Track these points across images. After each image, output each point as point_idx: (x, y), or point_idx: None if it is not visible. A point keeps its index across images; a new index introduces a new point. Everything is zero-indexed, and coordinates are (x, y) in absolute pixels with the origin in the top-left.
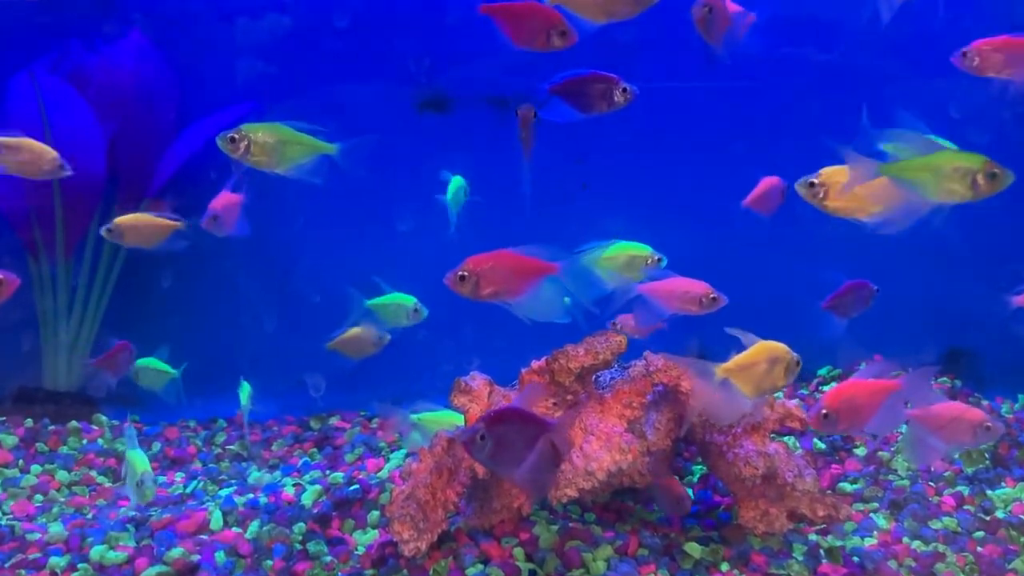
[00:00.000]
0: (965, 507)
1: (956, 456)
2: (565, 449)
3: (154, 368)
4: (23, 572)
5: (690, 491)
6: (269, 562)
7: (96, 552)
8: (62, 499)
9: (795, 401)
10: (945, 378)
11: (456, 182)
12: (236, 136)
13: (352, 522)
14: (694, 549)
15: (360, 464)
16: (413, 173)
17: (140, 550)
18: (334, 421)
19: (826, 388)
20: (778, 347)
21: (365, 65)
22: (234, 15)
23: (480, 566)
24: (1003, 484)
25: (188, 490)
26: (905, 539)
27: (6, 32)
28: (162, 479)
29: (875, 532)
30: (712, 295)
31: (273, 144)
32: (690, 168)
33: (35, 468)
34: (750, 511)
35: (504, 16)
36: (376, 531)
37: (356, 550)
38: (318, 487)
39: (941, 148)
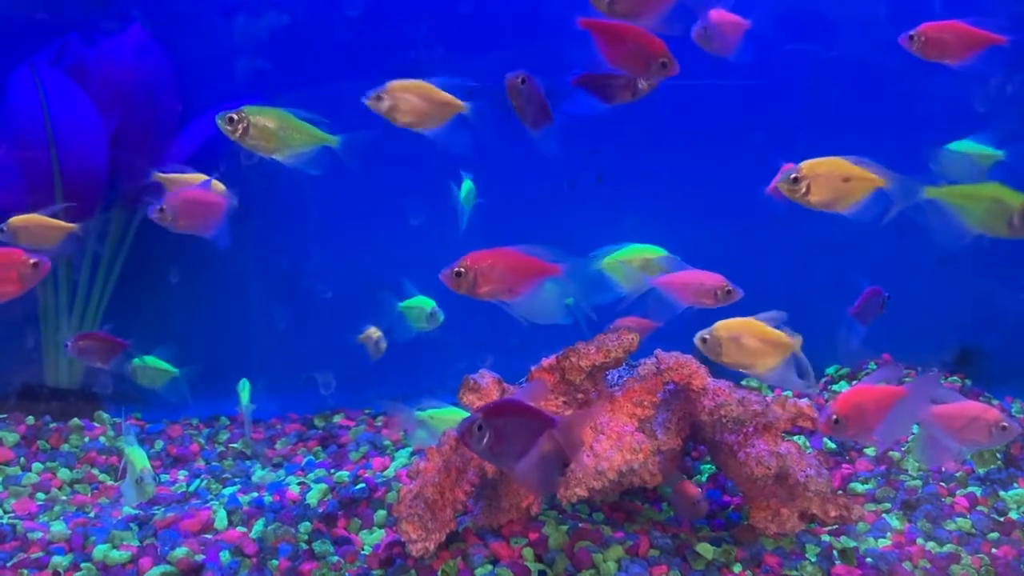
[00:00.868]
0: (978, 508)
1: (968, 456)
2: (571, 447)
3: (153, 366)
4: (25, 572)
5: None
6: (275, 562)
7: (99, 551)
8: (64, 497)
9: (805, 400)
10: (955, 377)
11: (466, 184)
12: (235, 116)
13: (358, 521)
14: (706, 550)
15: (365, 462)
16: (424, 168)
17: (144, 549)
18: (338, 419)
19: (835, 387)
20: None
21: (370, 59)
22: (236, 9)
23: (489, 566)
24: (1016, 485)
25: (191, 488)
26: (919, 540)
27: (6, 26)
28: (165, 477)
29: (889, 533)
30: (728, 288)
31: (273, 129)
32: (705, 163)
33: (36, 466)
34: (761, 511)
35: (605, 35)
36: (383, 531)
37: (363, 550)
38: (323, 486)
39: (987, 179)
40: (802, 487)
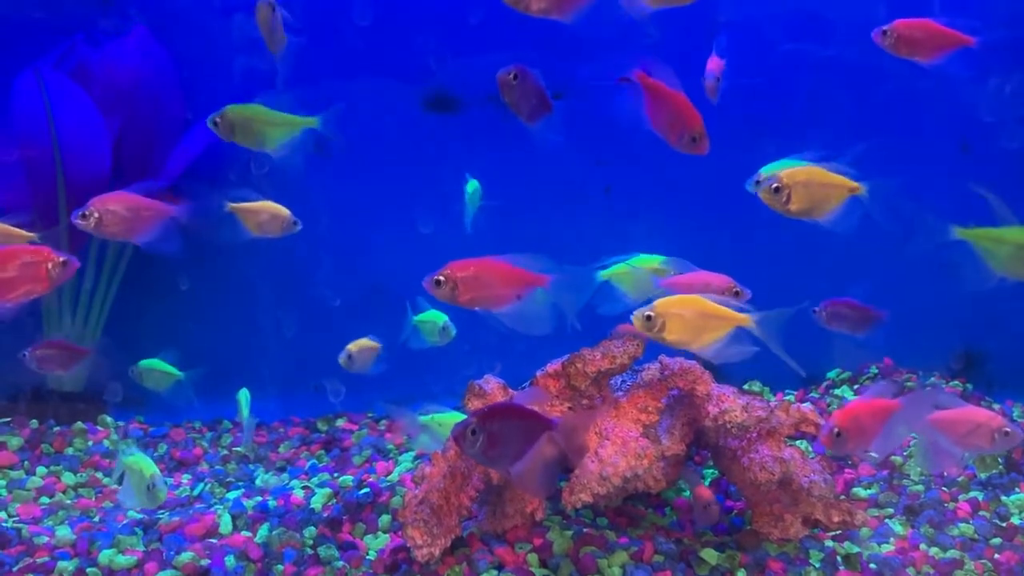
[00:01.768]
0: (981, 513)
1: (970, 461)
2: (572, 448)
3: (158, 370)
4: None
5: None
6: (280, 567)
7: (105, 556)
8: (68, 501)
9: (808, 405)
10: (956, 382)
11: (472, 185)
12: (218, 120)
13: (363, 526)
14: (711, 555)
15: (369, 467)
16: (431, 175)
17: (149, 554)
18: (341, 423)
19: (836, 391)
20: None
21: (376, 60)
22: (239, 11)
23: (494, 572)
24: (1018, 489)
25: (195, 492)
26: (922, 545)
27: (10, 29)
28: (169, 481)
29: (892, 539)
30: (735, 288)
31: (251, 121)
32: (710, 168)
33: (40, 470)
34: (765, 517)
35: (652, 95)
36: (387, 535)
37: (368, 555)
38: (328, 490)
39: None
40: (805, 492)
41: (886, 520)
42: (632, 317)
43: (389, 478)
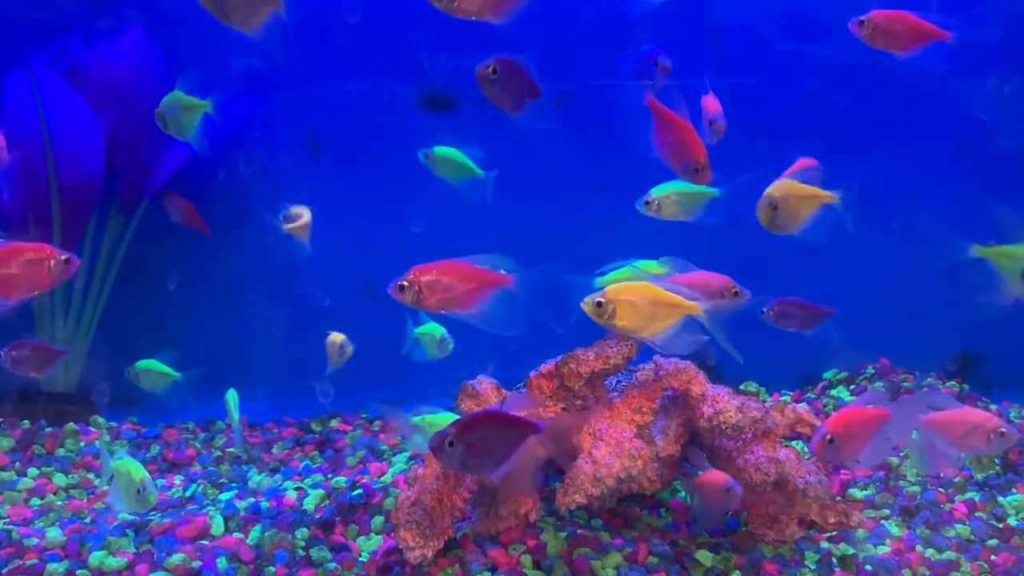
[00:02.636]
0: (977, 514)
1: (966, 462)
2: (560, 451)
3: (155, 370)
4: None
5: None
6: (272, 568)
7: (95, 558)
8: (60, 503)
9: (803, 405)
10: (953, 382)
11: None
12: (163, 115)
13: (356, 527)
14: (705, 557)
15: (362, 468)
16: (423, 174)
17: (140, 556)
18: (335, 424)
19: (833, 392)
20: None
21: (369, 59)
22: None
23: (487, 574)
24: (1014, 490)
25: (188, 494)
26: (918, 547)
27: (3, 28)
28: (161, 482)
29: (888, 540)
30: (734, 289)
31: (164, 111)
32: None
33: (32, 471)
34: (760, 518)
35: (661, 120)
36: (380, 537)
37: (360, 556)
38: (320, 491)
39: None
40: (801, 493)
41: (882, 521)
42: (582, 304)
43: (382, 479)
